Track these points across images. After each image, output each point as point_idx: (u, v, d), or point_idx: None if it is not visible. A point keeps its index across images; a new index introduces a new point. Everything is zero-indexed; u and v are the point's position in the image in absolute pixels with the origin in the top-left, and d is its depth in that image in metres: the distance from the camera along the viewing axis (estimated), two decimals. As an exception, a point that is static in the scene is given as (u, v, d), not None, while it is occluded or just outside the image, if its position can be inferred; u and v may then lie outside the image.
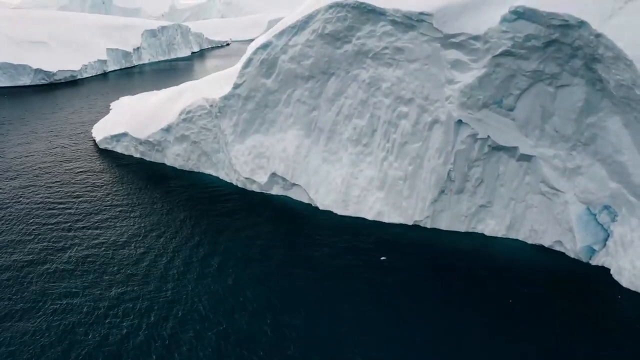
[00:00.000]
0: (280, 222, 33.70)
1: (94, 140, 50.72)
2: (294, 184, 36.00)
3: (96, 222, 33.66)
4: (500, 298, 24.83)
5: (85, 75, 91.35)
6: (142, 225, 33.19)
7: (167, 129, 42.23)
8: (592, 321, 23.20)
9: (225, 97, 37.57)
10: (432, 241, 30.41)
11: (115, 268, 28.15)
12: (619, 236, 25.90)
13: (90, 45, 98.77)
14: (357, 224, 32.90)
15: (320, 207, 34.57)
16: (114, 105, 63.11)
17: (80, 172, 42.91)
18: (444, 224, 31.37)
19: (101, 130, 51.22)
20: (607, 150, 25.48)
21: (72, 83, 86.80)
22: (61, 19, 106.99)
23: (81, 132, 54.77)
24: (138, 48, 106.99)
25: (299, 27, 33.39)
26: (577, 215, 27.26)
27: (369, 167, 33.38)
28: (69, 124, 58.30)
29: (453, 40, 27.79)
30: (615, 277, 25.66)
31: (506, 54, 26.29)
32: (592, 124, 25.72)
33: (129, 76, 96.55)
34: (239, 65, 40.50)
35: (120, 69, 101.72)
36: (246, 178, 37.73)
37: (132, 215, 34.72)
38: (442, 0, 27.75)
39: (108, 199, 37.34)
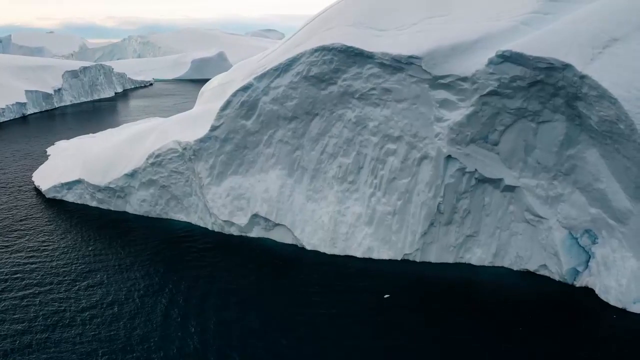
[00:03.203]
0: (266, 266, 32.84)
1: (38, 189, 46.99)
2: (276, 225, 35.63)
3: (59, 282, 30.80)
4: (499, 326, 25.89)
5: (2, 120, 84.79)
6: (110, 281, 30.64)
7: (132, 174, 40.26)
8: (599, 343, 24.83)
9: (202, 140, 36.74)
10: (424, 275, 31.20)
11: (80, 331, 25.66)
12: (601, 257, 28.23)
13: (6, 87, 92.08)
14: (347, 262, 33.03)
15: (307, 247, 34.41)
16: (51, 150, 59.03)
17: (30, 226, 39.31)
18: (433, 256, 32.43)
19: (46, 178, 47.68)
20: (587, 179, 27.98)
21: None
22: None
23: (20, 181, 50.52)
24: (59, 89, 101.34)
25: (281, 69, 33.76)
26: (560, 240, 29.41)
27: (356, 203, 33.93)
28: (2, 172, 53.57)
29: (442, 81, 29.53)
30: (602, 296, 27.75)
31: (492, 93, 28.35)
32: (572, 156, 28.22)
33: (52, 119, 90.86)
34: (212, 106, 39.98)
35: (41, 112, 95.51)
36: (224, 221, 36.78)
37: (96, 270, 32.06)
38: (431, 44, 29.51)
39: (66, 255, 34.29)
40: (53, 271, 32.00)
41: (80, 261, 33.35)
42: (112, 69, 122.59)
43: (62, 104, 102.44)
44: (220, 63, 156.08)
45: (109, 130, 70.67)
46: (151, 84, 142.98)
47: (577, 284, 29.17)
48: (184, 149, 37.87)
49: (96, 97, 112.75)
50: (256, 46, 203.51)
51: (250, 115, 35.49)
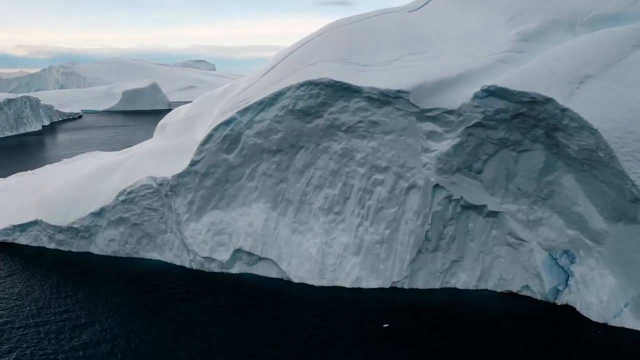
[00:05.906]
0: (253, 302, 31.99)
1: (-17, 232, 43.14)
2: (260, 259, 35.13)
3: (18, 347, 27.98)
4: (488, 348, 26.86)
5: None
6: (76, 336, 28.07)
7: (99, 213, 38.19)
8: (590, 357, 26.41)
9: (180, 175, 35.72)
10: (414, 301, 31.89)
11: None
12: (579, 275, 30.29)
13: None
14: (336, 293, 33.07)
15: (294, 280, 34.15)
16: (-11, 189, 54.34)
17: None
18: (420, 283, 33.28)
19: (-8, 220, 43.88)
20: (564, 203, 30.16)
21: None
22: None
23: (-41, 224, 46.04)
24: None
25: (266, 103, 33.80)
26: (541, 261, 31.29)
27: (343, 234, 34.23)
28: None
29: (429, 114, 30.94)
30: (583, 312, 29.64)
31: (477, 125, 30.07)
32: (550, 182, 30.37)
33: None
34: (182, 140, 39.13)
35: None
36: (204, 257, 35.70)
37: (60, 322, 29.48)
38: (417, 79, 30.93)
39: (25, 308, 31.27)
40: (10, 324, 29.43)
41: (46, 308, 30.93)
42: (39, 100, 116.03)
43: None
44: (153, 94, 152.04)
45: (48, 166, 66.32)
46: (80, 117, 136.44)
47: (559, 302, 30.99)
48: (160, 184, 36.56)
49: (22, 131, 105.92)
50: (187, 77, 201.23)
51: (232, 149, 35.05)
